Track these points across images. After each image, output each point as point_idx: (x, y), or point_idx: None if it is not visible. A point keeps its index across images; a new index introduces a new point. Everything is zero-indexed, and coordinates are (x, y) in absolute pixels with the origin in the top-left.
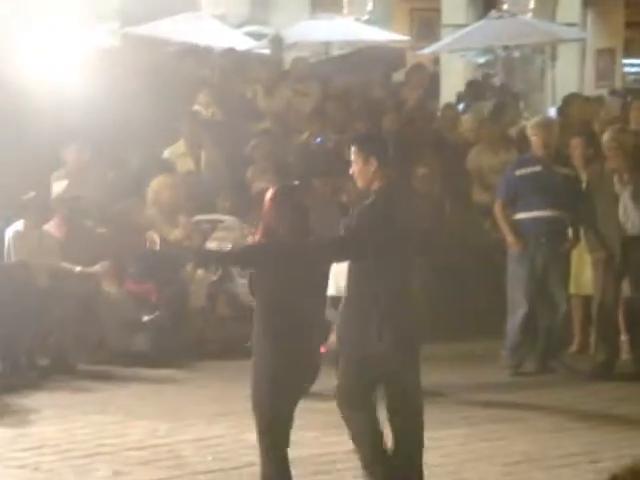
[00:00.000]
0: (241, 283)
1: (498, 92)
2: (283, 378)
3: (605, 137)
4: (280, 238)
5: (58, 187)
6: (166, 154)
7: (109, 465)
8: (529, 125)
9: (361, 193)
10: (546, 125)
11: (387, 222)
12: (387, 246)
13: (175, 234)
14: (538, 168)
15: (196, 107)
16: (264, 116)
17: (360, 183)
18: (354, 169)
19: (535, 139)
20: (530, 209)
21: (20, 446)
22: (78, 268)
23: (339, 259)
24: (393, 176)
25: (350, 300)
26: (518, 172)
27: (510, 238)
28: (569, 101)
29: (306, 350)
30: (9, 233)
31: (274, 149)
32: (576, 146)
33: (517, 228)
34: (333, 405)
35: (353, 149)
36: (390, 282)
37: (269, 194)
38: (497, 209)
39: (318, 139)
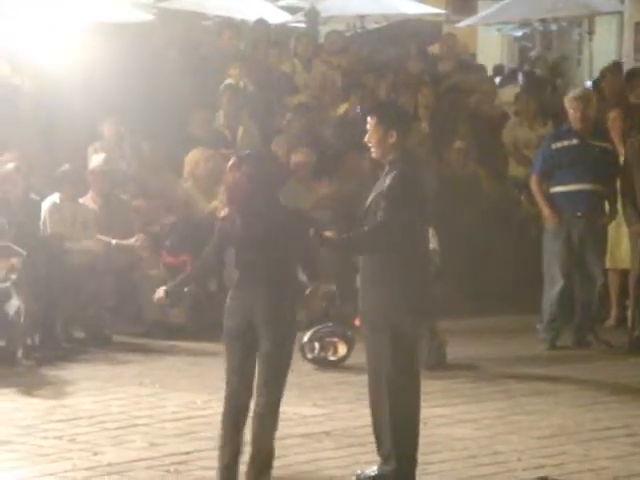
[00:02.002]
0: None
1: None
2: None
3: None
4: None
5: (95, 160)
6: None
7: (145, 436)
8: (566, 98)
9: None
10: (584, 98)
11: (416, 193)
12: (417, 216)
13: (212, 206)
14: (575, 141)
15: (227, 80)
16: (301, 90)
17: (377, 153)
18: (371, 138)
19: (572, 112)
20: (567, 183)
21: (56, 417)
22: (114, 241)
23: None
24: (409, 147)
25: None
26: (554, 145)
27: (546, 212)
28: (606, 73)
29: None
30: (45, 206)
31: (310, 122)
32: (614, 119)
33: (553, 202)
34: (366, 378)
35: (373, 119)
36: (420, 249)
37: (231, 162)
38: (533, 183)
39: (357, 108)
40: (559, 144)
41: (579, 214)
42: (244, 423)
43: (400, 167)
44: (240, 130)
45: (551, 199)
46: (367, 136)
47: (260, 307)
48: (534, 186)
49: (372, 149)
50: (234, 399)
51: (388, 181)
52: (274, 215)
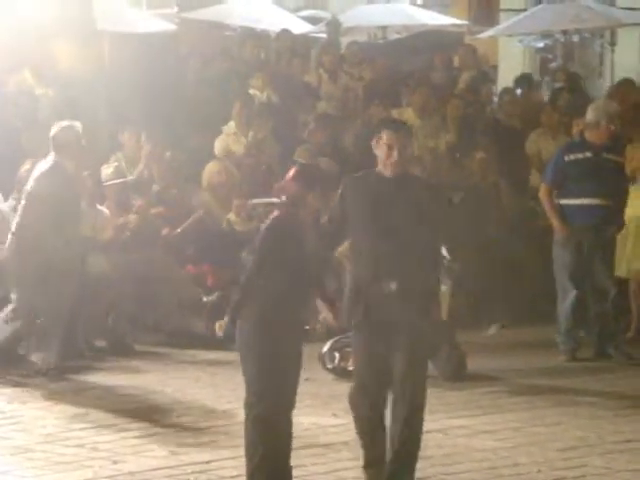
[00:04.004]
0: None
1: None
2: None
3: None
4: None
5: (104, 172)
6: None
7: (165, 445)
8: (590, 108)
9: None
10: (609, 111)
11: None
12: None
13: (230, 217)
14: (588, 154)
15: (251, 90)
16: (325, 101)
17: (400, 167)
18: (401, 153)
19: (596, 123)
20: (578, 196)
21: (78, 426)
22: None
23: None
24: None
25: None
26: (567, 157)
27: (556, 223)
28: (618, 87)
29: None
30: None
31: (332, 132)
32: None
33: (563, 213)
34: None
35: (402, 134)
36: None
37: (292, 172)
38: (543, 193)
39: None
40: (572, 156)
41: (589, 227)
42: None
43: (420, 180)
44: (249, 137)
45: (561, 210)
46: (392, 151)
47: None
48: (544, 196)
49: (393, 164)
50: None
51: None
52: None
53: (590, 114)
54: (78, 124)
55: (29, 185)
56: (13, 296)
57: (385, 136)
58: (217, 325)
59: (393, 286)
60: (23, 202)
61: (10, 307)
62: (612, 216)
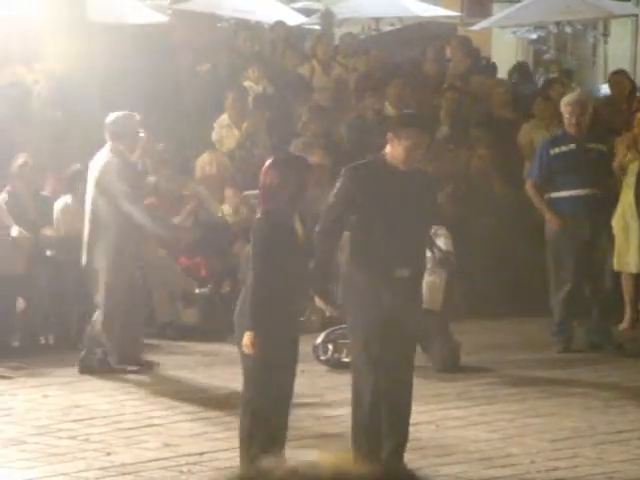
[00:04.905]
0: None
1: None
2: None
3: None
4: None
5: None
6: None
7: (158, 437)
8: (562, 102)
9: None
10: (579, 102)
11: None
12: None
13: (223, 209)
14: (572, 146)
15: (246, 82)
16: (317, 92)
17: (412, 163)
18: (419, 154)
19: (568, 117)
20: (567, 188)
21: (71, 417)
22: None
23: None
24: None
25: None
26: (552, 151)
27: (548, 215)
28: (612, 78)
29: None
30: (57, 206)
31: (326, 124)
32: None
33: (554, 206)
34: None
35: (424, 132)
36: None
37: (269, 162)
38: (530, 188)
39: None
40: (557, 149)
41: (581, 218)
42: None
43: (428, 174)
44: (242, 128)
45: (552, 204)
46: (419, 150)
47: None
48: (531, 190)
49: (411, 161)
50: None
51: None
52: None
53: (563, 108)
54: (136, 114)
55: (95, 175)
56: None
57: (411, 134)
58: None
59: (405, 273)
60: (93, 190)
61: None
62: (602, 204)
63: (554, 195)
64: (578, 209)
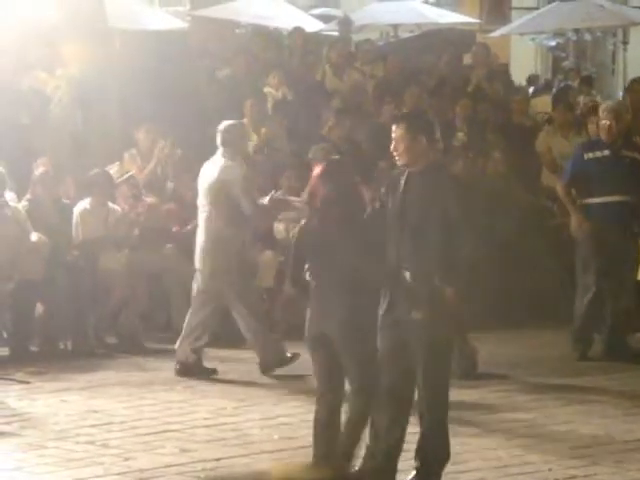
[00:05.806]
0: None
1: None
2: None
3: None
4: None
5: (111, 170)
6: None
7: (176, 442)
8: (600, 109)
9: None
10: (615, 110)
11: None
12: None
13: None
14: (607, 152)
15: (266, 88)
16: (333, 96)
17: (406, 160)
18: (400, 146)
19: (603, 123)
20: (598, 194)
21: (89, 422)
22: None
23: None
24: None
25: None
26: (587, 156)
27: (577, 219)
28: (632, 86)
29: None
30: (77, 211)
31: (352, 129)
32: None
33: (585, 212)
34: None
35: (400, 127)
36: None
37: (317, 170)
38: (561, 191)
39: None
40: (591, 154)
41: (611, 225)
42: None
43: (442, 173)
44: (262, 132)
45: (583, 210)
46: (393, 144)
47: None
48: (562, 193)
49: (398, 157)
50: None
51: (443, 193)
52: None
53: (602, 113)
54: (245, 122)
55: (210, 181)
56: None
57: (394, 130)
58: None
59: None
60: (207, 196)
61: None
62: (634, 212)
63: (586, 201)
64: (609, 216)
